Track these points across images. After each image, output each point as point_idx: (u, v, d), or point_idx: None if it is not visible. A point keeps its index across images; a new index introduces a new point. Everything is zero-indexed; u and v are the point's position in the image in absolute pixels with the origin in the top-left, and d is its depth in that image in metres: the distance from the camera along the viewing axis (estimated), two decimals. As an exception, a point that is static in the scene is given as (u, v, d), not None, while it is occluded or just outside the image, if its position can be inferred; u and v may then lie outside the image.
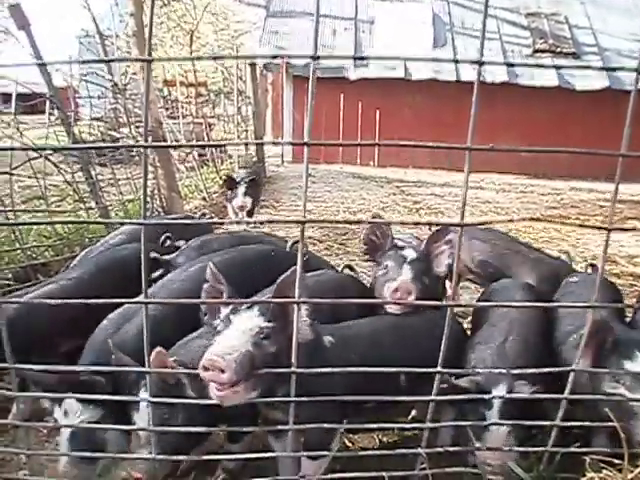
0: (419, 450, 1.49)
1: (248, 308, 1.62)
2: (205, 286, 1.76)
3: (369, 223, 2.23)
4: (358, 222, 1.84)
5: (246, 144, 9.15)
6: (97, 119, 6.75)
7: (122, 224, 3.40)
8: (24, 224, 3.40)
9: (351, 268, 2.69)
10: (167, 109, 10.01)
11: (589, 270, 2.85)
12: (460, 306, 1.49)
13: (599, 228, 1.38)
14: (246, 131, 11.63)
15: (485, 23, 1.26)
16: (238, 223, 5.37)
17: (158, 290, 2.26)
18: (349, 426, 1.78)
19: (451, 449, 1.68)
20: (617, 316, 2.18)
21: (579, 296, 2.34)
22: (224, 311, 1.67)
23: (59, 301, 1.47)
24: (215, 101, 14.00)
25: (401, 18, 13.16)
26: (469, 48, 12.88)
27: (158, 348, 1.64)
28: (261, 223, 4.45)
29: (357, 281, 2.56)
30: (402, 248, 2.34)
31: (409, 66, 12.62)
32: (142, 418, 1.71)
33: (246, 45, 21.16)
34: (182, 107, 9.38)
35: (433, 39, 13.08)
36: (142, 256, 1.35)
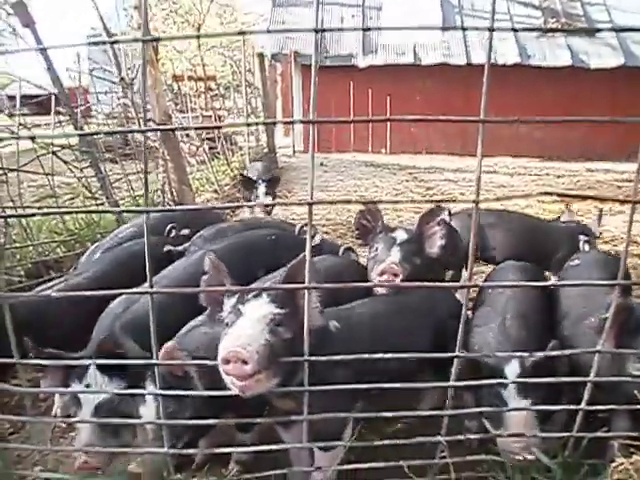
0: (439, 438, 1.44)
1: (256, 296, 1.57)
2: (205, 277, 1.70)
3: (379, 203, 2.18)
4: (370, 202, 1.77)
5: (248, 125, 9.08)
6: (107, 115, 6.76)
7: (124, 212, 3.37)
8: (31, 215, 3.38)
9: (352, 250, 2.70)
10: (176, 104, 10.00)
11: (586, 247, 2.77)
12: (477, 286, 1.42)
13: (623, 202, 1.31)
14: (256, 123, 11.58)
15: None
16: (239, 207, 5.34)
17: (160, 279, 2.25)
18: (364, 415, 1.72)
19: (473, 437, 1.62)
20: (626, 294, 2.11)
21: (584, 278, 2.27)
22: (229, 302, 1.63)
23: (61, 293, 1.44)
24: (225, 94, 13.98)
25: (409, 3, 12.96)
26: (479, 30, 12.64)
27: (169, 343, 1.61)
28: (266, 206, 4.41)
29: (357, 264, 2.57)
30: (393, 230, 2.33)
31: (418, 51, 12.45)
32: (149, 410, 1.68)
33: (254, 38, 21.03)
34: (191, 101, 9.37)
35: (442, 22, 12.86)
36: (145, 244, 1.30)
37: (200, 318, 1.95)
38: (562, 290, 2.21)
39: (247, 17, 22.22)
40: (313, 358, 1.48)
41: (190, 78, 10.31)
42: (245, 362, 1.41)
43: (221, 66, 19.23)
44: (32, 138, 2.17)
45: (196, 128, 6.30)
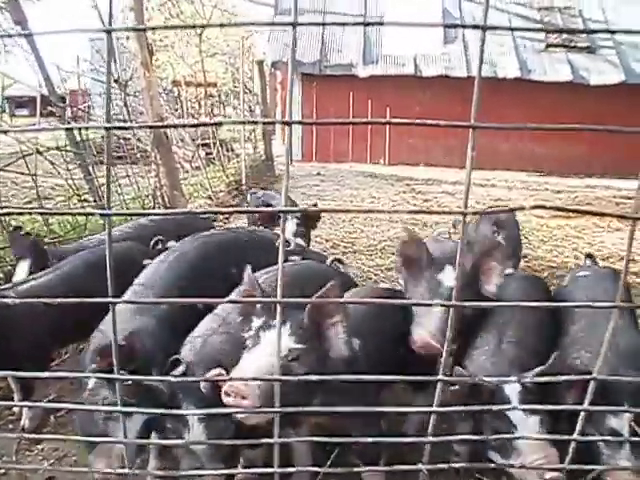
0: (420, 467, 1.33)
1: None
2: (241, 288, 1.70)
3: (365, 212, 2.06)
4: (350, 211, 1.59)
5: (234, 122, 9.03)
6: (102, 117, 6.67)
7: (83, 214, 3.27)
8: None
9: (340, 261, 2.57)
10: (176, 109, 9.94)
11: (587, 262, 2.69)
12: (468, 306, 1.34)
13: (623, 217, 1.22)
14: (255, 130, 11.52)
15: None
16: (215, 213, 5.06)
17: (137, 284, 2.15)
18: (343, 440, 1.62)
19: (457, 465, 1.52)
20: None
21: (591, 291, 2.19)
22: (256, 322, 1.61)
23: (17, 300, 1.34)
24: (225, 101, 13.95)
25: (411, 14, 12.95)
26: (480, 43, 12.63)
27: (216, 371, 1.56)
28: (240, 213, 4.14)
29: (341, 273, 2.44)
30: (441, 267, 2.00)
31: (419, 62, 12.43)
32: (196, 434, 1.60)
33: (256, 45, 21.10)
34: (191, 107, 9.32)
35: (443, 34, 12.86)
36: (107, 250, 1.20)
37: (207, 327, 1.88)
38: (570, 297, 2.16)
39: (250, 26, 22.27)
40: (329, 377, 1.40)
41: (190, 84, 10.28)
42: (244, 397, 1.41)
43: (222, 73, 19.26)
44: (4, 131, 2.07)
45: (187, 126, 6.22)
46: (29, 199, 5.79)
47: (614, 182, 10.32)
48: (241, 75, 9.96)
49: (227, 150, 8.57)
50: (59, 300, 1.34)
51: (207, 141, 7.84)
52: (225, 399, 1.44)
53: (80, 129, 4.88)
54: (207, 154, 7.95)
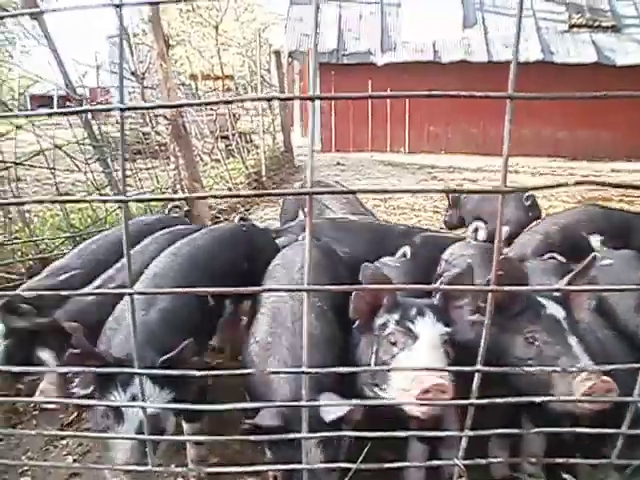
0: (455, 461, 1.26)
1: (421, 315, 1.52)
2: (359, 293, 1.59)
3: (382, 192, 1.95)
4: (369, 191, 1.49)
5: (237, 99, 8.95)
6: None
7: (99, 201, 3.21)
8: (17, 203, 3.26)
9: None
10: (194, 103, 9.90)
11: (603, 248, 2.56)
12: (502, 290, 1.26)
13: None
14: (274, 121, 11.45)
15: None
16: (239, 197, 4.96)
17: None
18: (375, 435, 1.55)
19: (496, 460, 1.43)
20: None
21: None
22: (389, 316, 1.56)
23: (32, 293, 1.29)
24: (242, 93, 13.88)
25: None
26: (500, 27, 12.38)
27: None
28: (268, 195, 4.05)
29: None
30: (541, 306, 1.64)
31: (439, 48, 12.22)
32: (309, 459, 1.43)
33: (273, 37, 20.99)
34: (207, 99, 9.25)
35: (463, 19, 12.62)
36: (124, 238, 1.14)
37: (267, 328, 1.72)
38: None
39: (266, 17, 22.18)
40: (485, 369, 1.32)
41: (207, 77, 10.24)
42: (444, 392, 1.38)
43: (240, 65, 19.21)
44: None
45: (200, 104, 6.16)
46: (51, 195, 5.82)
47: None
48: (258, 67, 9.88)
49: (246, 142, 8.52)
50: (80, 292, 1.29)
51: (226, 133, 7.79)
52: (421, 396, 1.37)
53: (99, 127, 4.88)
54: (226, 146, 7.90)
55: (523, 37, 11.93)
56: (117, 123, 6.33)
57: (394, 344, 1.52)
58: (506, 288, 1.23)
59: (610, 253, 2.42)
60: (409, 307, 1.55)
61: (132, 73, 4.98)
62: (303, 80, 13.98)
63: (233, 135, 7.75)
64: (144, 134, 6.03)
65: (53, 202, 2.44)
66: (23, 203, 2.51)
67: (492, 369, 1.34)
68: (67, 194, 5.45)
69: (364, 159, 11.14)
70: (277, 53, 10.43)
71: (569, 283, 1.60)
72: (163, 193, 5.05)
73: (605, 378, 1.38)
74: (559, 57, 11.86)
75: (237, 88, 12.13)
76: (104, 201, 3.12)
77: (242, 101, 1.06)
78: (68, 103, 4.40)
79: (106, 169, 4.05)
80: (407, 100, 12.06)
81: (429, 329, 1.50)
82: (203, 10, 18.96)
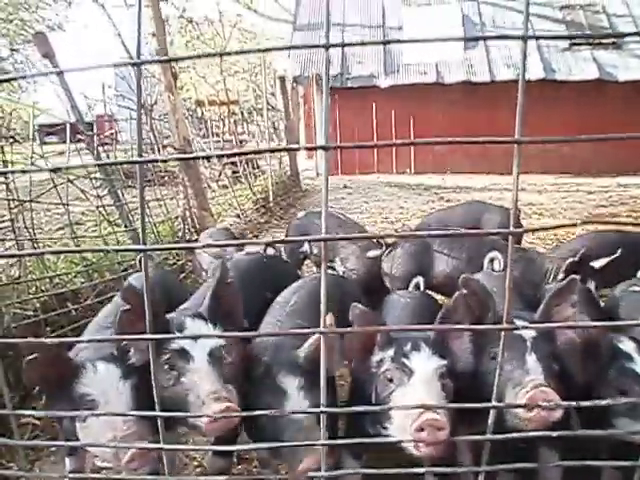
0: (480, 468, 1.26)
1: (416, 349, 1.51)
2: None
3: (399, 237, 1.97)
4: (384, 236, 1.46)
5: (272, 151, 9.03)
6: (131, 143, 6.76)
7: (119, 251, 3.27)
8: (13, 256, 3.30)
9: None
10: (200, 129, 10.05)
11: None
12: (514, 329, 1.26)
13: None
14: (279, 145, 11.57)
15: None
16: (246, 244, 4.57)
17: None
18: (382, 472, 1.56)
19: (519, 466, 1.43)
20: None
21: None
22: (384, 353, 1.55)
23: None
24: (248, 118, 14.05)
25: (430, 22, 12.92)
26: (502, 47, 12.51)
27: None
28: (279, 242, 4.01)
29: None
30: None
31: (441, 69, 12.35)
32: (299, 404, 1.52)
33: (276, 62, 21.30)
34: (213, 126, 9.39)
35: (464, 40, 12.77)
36: (144, 286, 1.17)
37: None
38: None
39: (268, 42, 22.54)
40: (499, 405, 1.33)
41: (213, 103, 10.39)
42: (439, 429, 1.35)
43: (244, 90, 19.48)
44: (49, 169, 2.07)
45: (217, 156, 6.21)
46: (61, 225, 5.88)
47: (647, 180, 10.06)
48: (264, 91, 10.03)
49: (253, 167, 8.61)
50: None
51: (233, 159, 7.88)
52: (417, 435, 1.36)
53: (108, 156, 4.95)
54: (233, 172, 7.98)
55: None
56: (125, 152, 6.45)
57: (391, 380, 1.51)
58: (517, 326, 1.25)
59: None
60: (403, 342, 1.54)
61: (142, 106, 5.06)
62: (307, 103, 14.12)
63: (240, 162, 7.84)
64: (152, 162, 6.12)
65: (72, 252, 2.48)
66: (42, 253, 2.55)
67: (502, 404, 1.35)
68: (77, 224, 5.52)
69: (370, 181, 11.20)
70: (282, 79, 10.58)
71: (547, 304, 1.60)
72: (173, 222, 5.12)
73: (545, 389, 1.39)
74: (561, 74, 11.95)
75: (242, 113, 12.30)
76: (126, 250, 3.17)
77: (258, 153, 1.09)
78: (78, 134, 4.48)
79: (117, 202, 4.10)
80: (412, 122, 12.17)
81: (424, 363, 1.49)
82: (208, 37, 19.32)
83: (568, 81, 11.82)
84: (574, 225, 1.25)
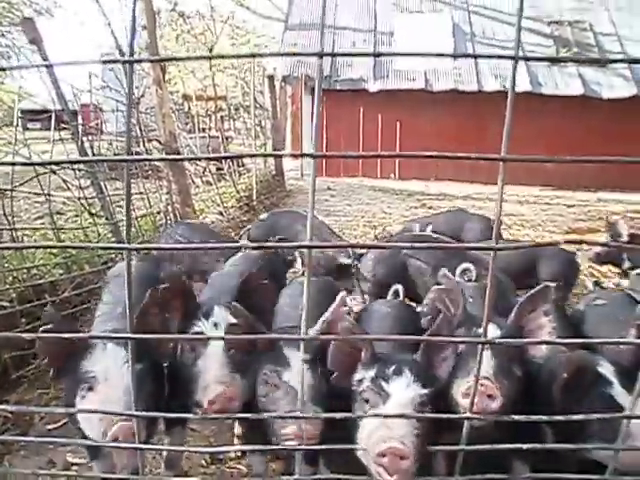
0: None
1: (398, 374, 1.47)
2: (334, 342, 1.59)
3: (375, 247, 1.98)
4: (368, 246, 1.46)
5: (253, 156, 9.01)
6: (115, 134, 6.69)
7: (103, 249, 3.26)
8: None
9: None
10: (186, 124, 9.98)
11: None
12: (492, 343, 1.28)
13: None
14: (265, 144, 11.54)
15: (521, 13, 1.07)
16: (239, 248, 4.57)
17: None
18: None
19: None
20: None
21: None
22: (365, 372, 1.52)
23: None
24: (235, 115, 14.00)
25: (421, 29, 13.01)
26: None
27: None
28: (268, 248, 3.97)
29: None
30: (477, 323, 1.71)
31: (430, 77, 12.44)
32: (294, 376, 1.53)
33: (265, 59, 21.26)
34: (200, 121, 9.34)
35: (454, 49, 12.88)
36: (126, 288, 1.17)
37: None
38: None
39: (259, 39, 22.48)
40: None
41: (200, 98, 10.32)
42: (402, 458, 1.32)
43: (232, 86, 19.40)
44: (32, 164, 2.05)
45: (204, 158, 6.20)
46: (41, 214, 5.80)
47: (625, 196, 10.23)
48: (252, 90, 9.99)
49: (238, 165, 8.57)
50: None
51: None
52: (377, 459, 1.34)
53: (92, 146, 4.89)
54: (218, 169, 7.94)
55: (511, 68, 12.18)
56: (109, 144, 6.38)
57: (367, 402, 1.48)
58: (498, 340, 1.27)
59: (603, 294, 2.47)
60: (387, 364, 1.51)
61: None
62: (295, 103, 14.12)
63: (225, 159, 7.81)
64: (137, 154, 6.05)
65: (55, 247, 2.44)
66: (24, 248, 2.51)
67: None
68: (58, 213, 5.45)
69: (354, 184, 11.23)
70: (270, 77, 10.55)
71: (519, 310, 1.61)
72: (155, 217, 5.08)
73: (487, 383, 1.42)
74: (547, 89, 12.11)
75: (229, 109, 12.24)
76: (109, 248, 3.14)
77: (245, 157, 1.09)
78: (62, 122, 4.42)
79: (99, 194, 4.05)
80: (398, 127, 12.24)
81: (402, 391, 1.45)
82: (198, 31, 19.19)
83: (554, 95, 11.98)
84: (557, 243, 1.26)
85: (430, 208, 8.63)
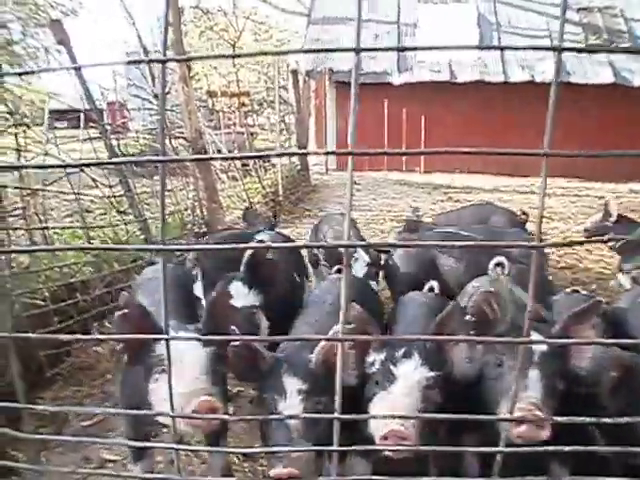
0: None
1: (407, 357, 1.54)
2: (348, 328, 1.60)
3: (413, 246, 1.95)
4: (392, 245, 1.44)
5: (283, 154, 9.00)
6: (141, 131, 6.75)
7: (139, 250, 3.33)
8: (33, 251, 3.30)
9: None
10: (211, 120, 10.02)
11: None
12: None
13: None
14: (289, 139, 11.53)
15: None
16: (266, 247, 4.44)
17: None
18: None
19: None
20: None
21: None
22: (377, 355, 1.59)
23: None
24: (258, 110, 14.01)
25: (445, 19, 12.81)
26: (517, 47, 12.40)
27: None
28: (304, 247, 3.95)
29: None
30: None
31: (455, 68, 12.26)
32: (291, 405, 1.53)
33: (289, 55, 21.19)
34: (225, 117, 9.37)
35: (479, 39, 12.66)
36: (162, 285, 1.16)
37: None
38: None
39: (282, 34, 22.44)
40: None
41: (224, 94, 10.34)
42: (404, 439, 1.40)
43: (255, 82, 19.42)
44: (63, 166, 2.07)
45: (226, 158, 6.23)
46: (70, 212, 5.88)
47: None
48: (276, 85, 10.00)
49: (263, 161, 8.58)
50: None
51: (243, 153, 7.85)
52: (382, 442, 1.42)
53: (119, 144, 4.94)
54: (243, 165, 7.96)
55: (539, 58, 11.94)
56: (136, 141, 6.43)
57: (377, 384, 1.55)
58: (497, 339, 1.23)
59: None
60: (397, 347, 1.57)
61: (155, 96, 5.05)
62: (318, 98, 14.07)
63: (262, 157, 7.79)
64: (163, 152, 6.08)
65: (89, 249, 2.47)
66: (57, 250, 2.52)
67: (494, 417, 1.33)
68: (87, 211, 5.52)
69: (379, 178, 11.15)
70: (294, 72, 10.52)
71: (566, 322, 1.56)
72: (182, 214, 5.10)
73: (537, 413, 1.38)
74: (576, 77, 11.82)
75: (252, 103, 12.23)
76: (143, 249, 3.19)
77: (281, 155, 1.07)
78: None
79: (127, 191, 4.09)
80: (423, 120, 12.09)
81: (410, 373, 1.51)
82: (222, 27, 19.23)
83: (584, 84, 11.69)
84: (602, 241, 1.22)
85: (457, 201, 8.53)
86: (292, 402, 1.51)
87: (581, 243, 1.09)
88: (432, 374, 1.51)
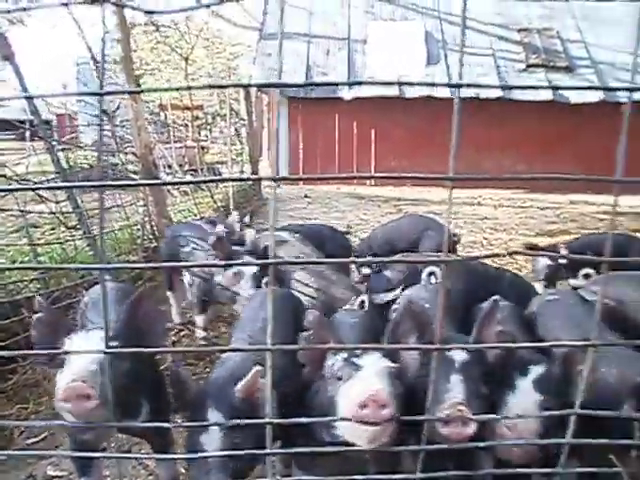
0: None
1: (367, 353, 1.56)
2: (305, 334, 1.66)
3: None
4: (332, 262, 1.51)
5: (238, 180, 9.05)
6: (90, 145, 6.70)
7: (78, 270, 3.33)
8: None
9: None
10: (162, 133, 9.99)
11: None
12: (450, 348, 1.36)
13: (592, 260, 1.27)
14: (242, 152, 11.59)
15: (463, 41, 1.17)
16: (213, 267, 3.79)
17: None
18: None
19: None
20: None
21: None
22: (336, 357, 1.60)
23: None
24: (212, 124, 14.02)
25: (394, 37, 13.20)
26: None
27: (256, 368, 1.55)
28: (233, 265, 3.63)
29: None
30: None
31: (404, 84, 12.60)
32: (212, 441, 1.48)
33: (241, 68, 21.30)
34: (176, 130, 9.38)
35: (426, 56, 13.09)
36: (102, 301, 1.24)
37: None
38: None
39: (234, 48, 22.51)
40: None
41: (176, 107, 10.34)
42: (383, 406, 1.37)
43: (209, 95, 19.40)
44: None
45: (183, 183, 6.26)
46: (17, 227, 5.77)
47: (595, 197, 10.47)
48: (227, 98, 10.06)
49: (214, 174, 8.61)
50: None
51: (194, 167, 7.88)
52: (359, 413, 1.37)
53: (67, 157, 4.91)
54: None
55: (483, 74, 12.45)
56: (85, 157, 6.39)
57: (339, 379, 1.55)
58: (448, 346, 1.36)
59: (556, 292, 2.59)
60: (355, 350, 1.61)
61: (103, 112, 5.04)
62: (271, 112, 14.21)
63: (201, 169, 7.84)
64: (113, 165, 6.08)
65: (33, 269, 2.47)
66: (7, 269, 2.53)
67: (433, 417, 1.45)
68: (34, 226, 5.44)
69: (331, 192, 11.32)
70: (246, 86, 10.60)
71: (477, 329, 1.66)
72: (132, 229, 5.10)
73: (462, 408, 1.43)
74: (517, 94, 12.36)
75: (206, 116, 12.27)
76: (86, 269, 3.18)
77: (217, 182, 1.11)
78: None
79: (75, 207, 4.09)
80: (373, 134, 12.38)
81: (374, 361, 1.53)
82: (173, 41, 19.12)
83: (524, 101, 12.23)
84: (504, 255, 1.35)
85: (406, 213, 8.75)
86: (213, 436, 1.46)
87: (484, 257, 1.22)
88: (395, 365, 1.55)
